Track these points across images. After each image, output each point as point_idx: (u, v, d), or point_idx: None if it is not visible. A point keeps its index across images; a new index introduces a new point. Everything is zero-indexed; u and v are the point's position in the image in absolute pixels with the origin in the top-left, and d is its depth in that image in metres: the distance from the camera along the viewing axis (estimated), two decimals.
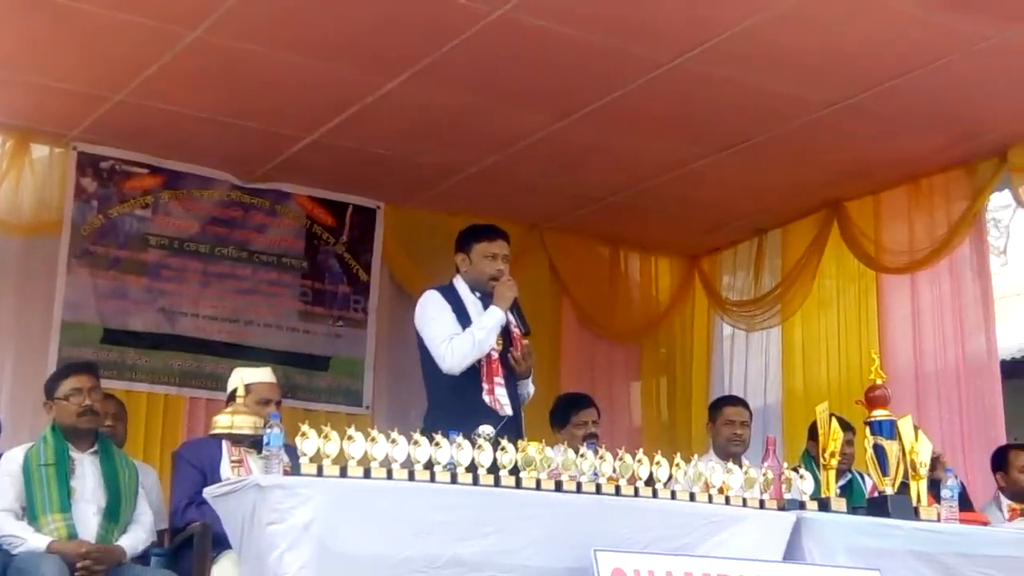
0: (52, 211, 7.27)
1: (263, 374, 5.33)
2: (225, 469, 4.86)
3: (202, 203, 7.72)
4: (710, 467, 4.49)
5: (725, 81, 6.38)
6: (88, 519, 4.87)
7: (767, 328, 8.49)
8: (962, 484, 5.02)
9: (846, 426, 5.37)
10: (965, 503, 5.07)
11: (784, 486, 4.58)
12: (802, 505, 4.56)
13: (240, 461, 4.18)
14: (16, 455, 4.94)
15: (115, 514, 4.93)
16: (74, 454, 4.98)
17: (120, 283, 7.42)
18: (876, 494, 5.12)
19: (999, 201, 11.22)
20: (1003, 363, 7.80)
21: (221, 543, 4.59)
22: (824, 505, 4.61)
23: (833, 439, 4.72)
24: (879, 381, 5.00)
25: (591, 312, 8.87)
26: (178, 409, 7.45)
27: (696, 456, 4.66)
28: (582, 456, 4.28)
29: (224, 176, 7.75)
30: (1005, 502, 6.42)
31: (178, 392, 7.48)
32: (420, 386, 7.36)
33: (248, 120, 6.98)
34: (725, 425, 6.39)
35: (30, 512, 4.83)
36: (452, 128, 7.10)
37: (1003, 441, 7.05)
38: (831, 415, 4.83)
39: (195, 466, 5.04)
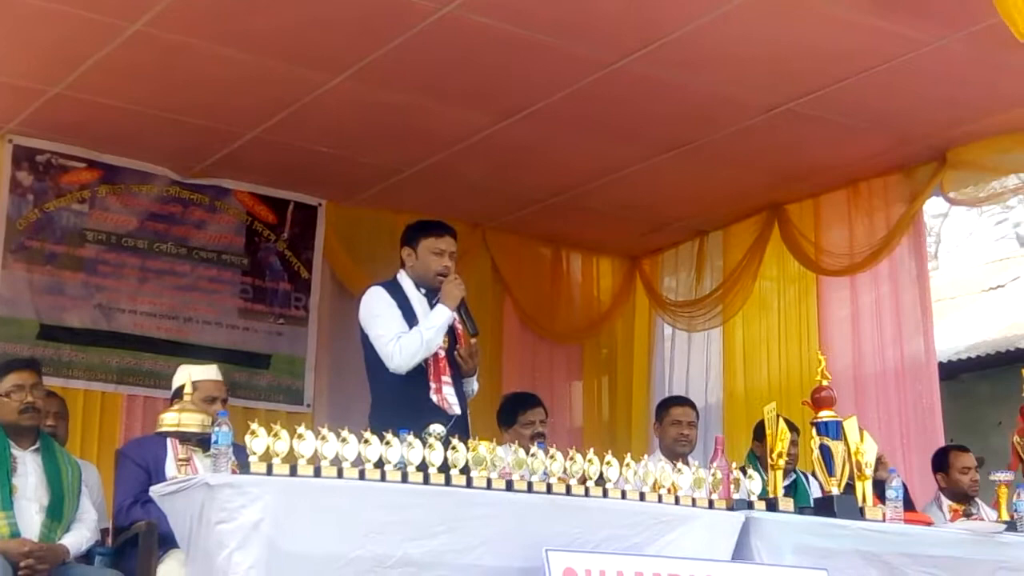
0: None
1: (209, 371, 5.25)
2: (171, 468, 4.76)
3: (140, 198, 7.61)
4: (660, 467, 4.50)
5: (667, 84, 6.42)
6: (31, 517, 4.76)
7: (708, 328, 8.54)
8: (904, 485, 5.07)
9: (791, 427, 5.40)
10: (907, 504, 5.11)
11: (732, 486, 4.60)
12: (750, 505, 4.58)
13: (187, 460, 4.11)
14: None
15: (58, 512, 4.83)
16: (15, 451, 4.87)
17: (56, 278, 7.30)
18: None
19: (931, 209, 11.43)
20: (940, 365, 7.91)
21: (167, 542, 4.52)
22: (772, 505, 4.63)
23: (780, 439, 4.75)
24: (825, 382, 5.03)
25: (533, 312, 8.88)
26: (116, 407, 7.35)
27: (645, 456, 4.66)
28: (533, 455, 4.27)
29: (163, 171, 7.64)
30: (946, 503, 6.51)
31: (115, 389, 7.38)
32: (362, 385, 7.29)
33: (188, 115, 6.90)
34: (672, 425, 6.41)
35: None
36: (394, 127, 7.07)
37: (941, 442, 7.16)
38: (778, 416, 4.85)
39: (140, 464, 4.95)
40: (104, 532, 5.25)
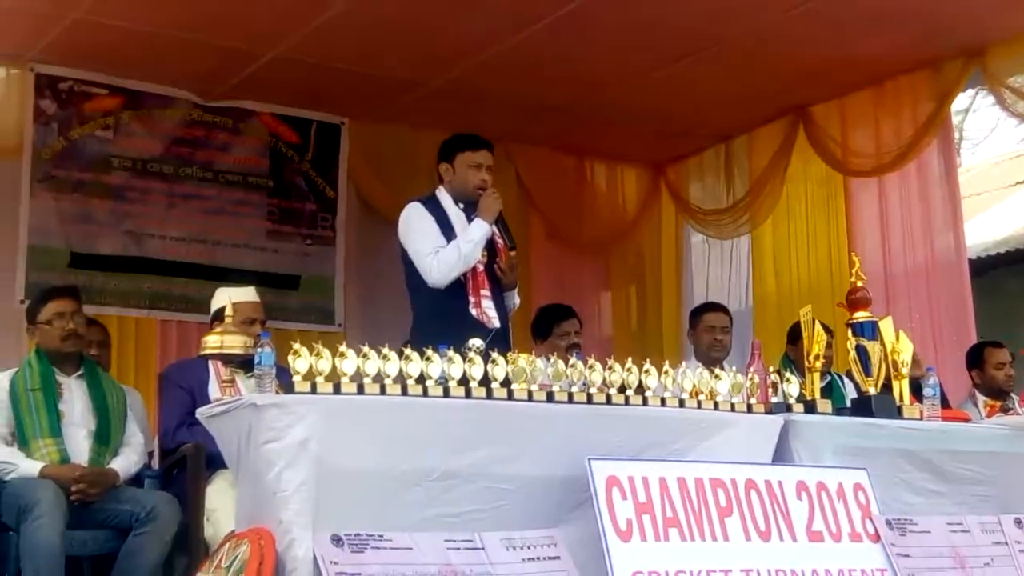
0: (11, 135, 7.16)
1: (248, 293, 5.28)
2: (214, 390, 4.82)
3: (164, 123, 7.62)
4: (698, 374, 4.51)
5: None
6: (79, 443, 4.83)
7: (738, 236, 8.53)
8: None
9: (825, 329, 5.41)
10: (943, 402, 5.13)
11: (770, 390, 4.61)
12: (788, 408, 4.59)
13: (231, 381, 4.15)
14: (1, 382, 4.88)
15: (105, 437, 4.90)
16: (60, 378, 4.93)
17: (85, 206, 7.34)
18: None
19: (955, 105, 11.28)
20: (970, 262, 7.89)
21: (214, 463, 4.60)
22: (810, 407, 4.64)
23: (817, 342, 4.75)
24: (859, 283, 5.02)
25: (559, 224, 8.88)
26: (150, 332, 7.43)
27: (683, 363, 4.68)
28: (572, 366, 4.28)
29: (185, 95, 7.64)
30: (981, 399, 6.53)
31: (149, 315, 7.46)
32: (393, 302, 7.36)
33: (208, 36, 6.87)
34: (706, 331, 6.42)
35: (20, 438, 4.78)
36: (414, 41, 7.02)
37: (973, 339, 7.16)
38: (813, 318, 4.86)
39: (183, 387, 5.00)
40: (149, 455, 5.33)
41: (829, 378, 6.38)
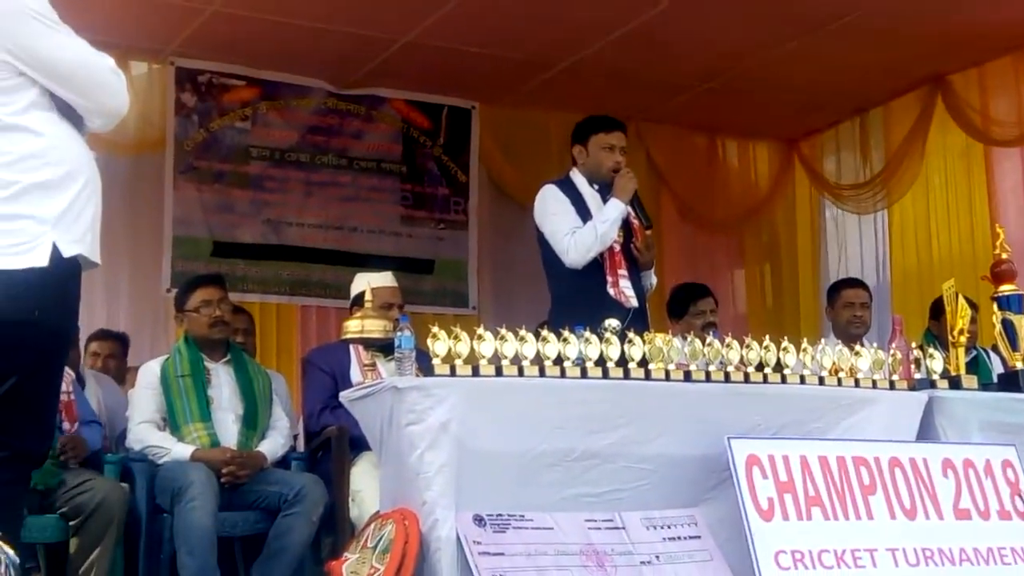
0: (155, 128, 7.37)
1: (386, 278, 5.36)
2: (356, 373, 4.92)
3: (299, 112, 7.77)
4: (837, 350, 4.45)
5: None
6: (227, 427, 4.97)
7: (877, 210, 8.36)
8: None
9: (969, 304, 5.29)
10: None
11: (912, 366, 4.53)
12: (932, 384, 4.51)
13: (372, 365, 4.22)
14: (153, 368, 5.05)
15: (253, 421, 5.03)
16: (209, 364, 5.08)
17: (225, 196, 7.53)
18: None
19: None
20: None
21: (358, 445, 4.69)
22: (955, 383, 4.55)
23: (961, 316, 4.65)
24: (1004, 255, 4.90)
25: (690, 202, 8.82)
26: (291, 317, 7.61)
27: (822, 340, 4.62)
28: (709, 345, 4.26)
29: (319, 84, 7.78)
30: None
31: (289, 301, 7.64)
32: (525, 285, 7.42)
33: (341, 25, 6.98)
34: (845, 308, 6.32)
35: (172, 423, 4.95)
36: (543, 22, 7.03)
37: None
38: (957, 292, 4.75)
39: (326, 371, 5.11)
40: (294, 438, 5.46)
41: (974, 353, 6.23)
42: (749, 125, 8.87)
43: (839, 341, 5.43)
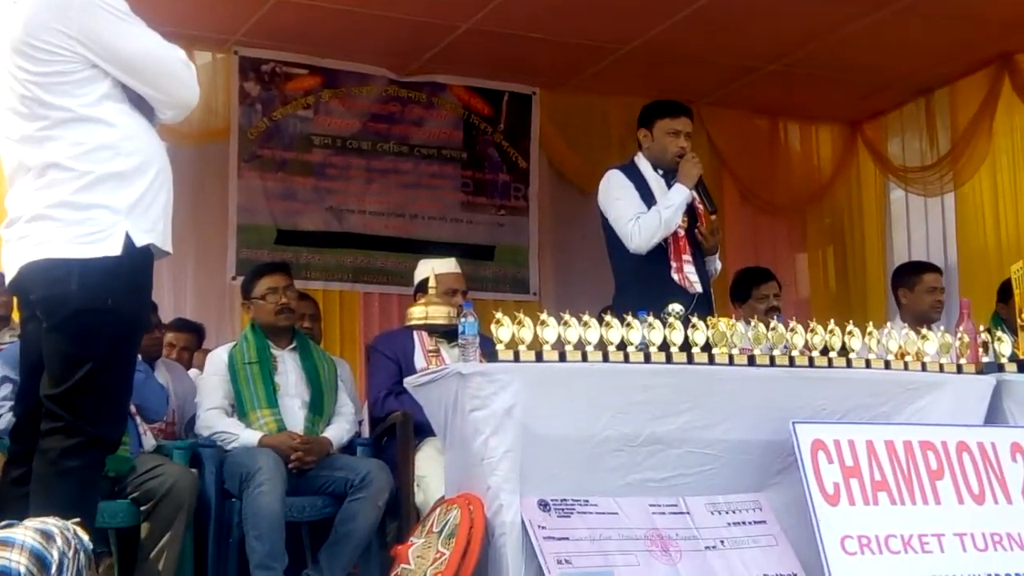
0: (219, 117, 7.45)
1: (449, 264, 5.39)
2: (420, 359, 4.95)
3: (361, 100, 7.81)
4: (904, 334, 4.42)
5: None
6: (294, 413, 5.02)
7: (944, 193, 8.25)
8: None
9: None
10: None
11: (980, 350, 4.49)
12: (1001, 368, 4.46)
13: (436, 351, 4.24)
14: (221, 355, 5.12)
15: (319, 407, 5.08)
16: (275, 351, 5.13)
17: (288, 184, 7.59)
18: None
19: None
20: None
21: (422, 431, 4.73)
22: (1023, 367, 4.50)
23: None
24: None
25: (752, 186, 8.78)
26: (354, 304, 7.67)
27: (888, 324, 4.58)
28: (773, 329, 4.25)
29: (380, 72, 7.81)
30: None
31: (352, 288, 7.69)
32: (586, 270, 7.42)
33: (402, 12, 7.00)
34: (927, 292, 6.20)
35: (239, 409, 5.01)
36: (603, 6, 7.01)
37: None
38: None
39: (390, 358, 5.14)
40: (359, 423, 5.50)
41: None
42: (811, 108, 8.79)
43: (905, 324, 5.38)
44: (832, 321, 4.30)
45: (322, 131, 7.69)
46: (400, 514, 4.83)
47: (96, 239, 3.06)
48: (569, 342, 3.98)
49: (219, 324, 7.17)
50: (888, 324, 4.50)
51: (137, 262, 3.13)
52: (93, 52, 3.11)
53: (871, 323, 4.38)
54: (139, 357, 4.99)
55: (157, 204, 3.18)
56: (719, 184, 8.60)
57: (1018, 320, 4.62)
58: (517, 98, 8.21)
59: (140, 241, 3.11)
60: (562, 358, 3.98)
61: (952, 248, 8.29)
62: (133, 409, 4.67)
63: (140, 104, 3.23)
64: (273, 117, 7.55)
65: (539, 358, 3.95)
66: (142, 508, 4.49)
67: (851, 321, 4.35)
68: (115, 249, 3.06)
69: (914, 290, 6.24)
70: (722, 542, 3.99)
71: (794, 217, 9.01)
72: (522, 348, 3.94)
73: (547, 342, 3.96)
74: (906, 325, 4.90)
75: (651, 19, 7.20)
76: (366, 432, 5.51)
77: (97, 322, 3.07)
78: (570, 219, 8.03)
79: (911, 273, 6.38)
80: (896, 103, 8.67)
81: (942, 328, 4.49)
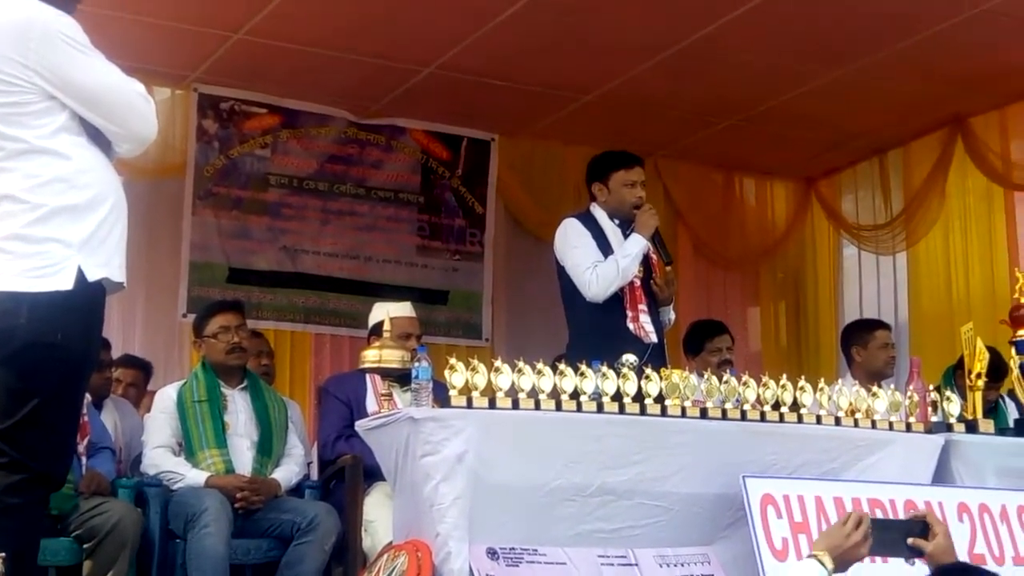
0: (175, 153, 7.40)
1: (404, 308, 5.37)
2: (372, 403, 4.92)
3: (319, 141, 7.80)
4: (854, 391, 4.44)
5: None
6: (242, 453, 4.97)
7: (897, 252, 8.34)
8: None
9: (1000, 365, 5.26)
10: None
11: (930, 409, 4.52)
12: (949, 427, 4.50)
13: (388, 395, 4.22)
14: (169, 393, 5.06)
15: (268, 448, 5.03)
16: (225, 390, 5.08)
17: (243, 223, 7.55)
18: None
19: None
20: None
21: (372, 475, 4.69)
22: (971, 427, 4.54)
23: (979, 360, 4.64)
24: (1022, 300, 4.89)
25: (707, 239, 8.84)
26: (305, 345, 7.61)
27: (839, 380, 4.61)
28: (725, 383, 4.26)
29: (340, 113, 7.81)
30: None
31: (303, 328, 7.64)
32: (539, 318, 7.43)
33: (363, 55, 7.01)
34: (881, 349, 6.25)
35: (187, 448, 4.95)
36: (564, 57, 7.06)
37: None
38: (976, 337, 4.74)
39: (342, 400, 5.12)
40: (308, 466, 5.45)
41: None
42: (767, 163, 8.89)
43: (855, 381, 5.40)
44: (784, 376, 4.32)
45: (279, 171, 7.67)
46: (347, 559, 4.79)
47: (48, 273, 3.02)
48: (523, 390, 3.97)
49: (167, 362, 7.09)
50: (839, 380, 4.52)
51: (89, 297, 3.08)
52: (51, 84, 3.08)
53: (822, 379, 4.40)
54: (88, 398, 4.99)
55: (112, 238, 3.14)
56: (674, 236, 8.66)
57: (967, 381, 4.67)
58: (476, 144, 8.23)
59: (92, 276, 3.07)
60: (515, 405, 3.97)
61: (903, 306, 8.37)
62: (82, 448, 4.61)
63: (97, 137, 3.20)
64: (230, 155, 7.52)
65: (492, 405, 3.94)
66: (85, 546, 4.42)
67: (803, 376, 4.37)
68: (67, 283, 3.02)
69: (867, 347, 6.27)
70: None
71: (747, 271, 9.08)
72: (475, 394, 3.92)
73: (500, 389, 3.95)
74: (857, 382, 4.93)
75: (611, 70, 7.26)
76: (315, 475, 5.46)
77: (46, 357, 3.02)
78: (525, 266, 8.05)
79: (864, 330, 6.42)
80: (850, 161, 8.79)
81: (892, 386, 4.52)
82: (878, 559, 3.57)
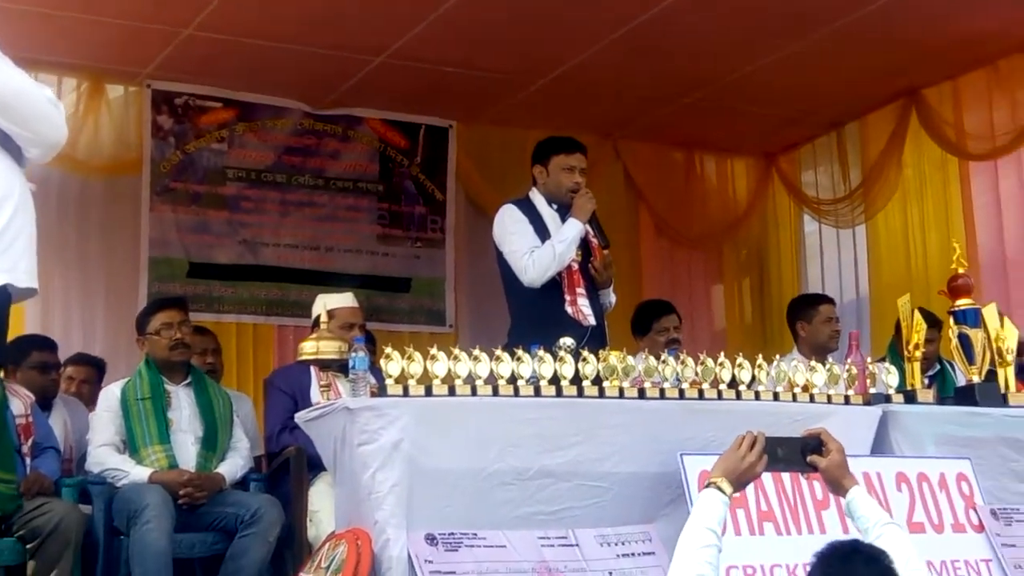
0: (131, 150, 7.42)
1: (345, 299, 5.40)
2: (315, 394, 4.95)
3: (276, 133, 7.81)
4: (793, 366, 4.47)
5: None
6: (187, 449, 5.00)
7: (856, 225, 8.39)
8: None
9: (932, 320, 5.30)
10: None
11: (869, 381, 4.56)
12: (888, 398, 4.54)
13: (328, 385, 4.26)
14: (113, 391, 5.08)
15: (212, 443, 5.06)
16: (169, 387, 5.11)
17: (202, 217, 7.56)
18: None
19: None
20: None
21: (317, 466, 4.71)
22: (910, 397, 4.58)
23: (917, 331, 4.68)
24: (960, 270, 4.93)
25: (669, 219, 8.87)
26: (268, 337, 7.64)
27: (778, 356, 4.64)
28: (664, 362, 4.28)
29: (296, 105, 7.82)
30: None
31: (266, 321, 7.67)
32: (502, 303, 7.42)
33: (316, 46, 7.01)
34: (824, 323, 6.29)
35: (131, 445, 4.98)
36: (519, 40, 7.07)
37: None
38: (914, 308, 4.78)
39: (286, 392, 5.14)
40: (259, 459, 5.48)
41: (938, 367, 6.26)
42: (727, 140, 8.91)
43: (800, 356, 5.45)
44: (721, 353, 4.35)
45: (236, 164, 7.68)
46: (292, 550, 4.82)
47: None
48: (459, 376, 3.99)
49: (128, 358, 7.08)
50: (777, 356, 4.55)
51: None
52: None
53: (760, 355, 4.43)
54: (31, 399, 5.02)
55: (18, 243, 3.15)
56: (635, 216, 8.72)
57: (905, 352, 4.70)
58: (433, 131, 8.25)
59: None
60: (452, 392, 3.99)
61: (864, 279, 8.42)
62: (26, 448, 4.63)
63: (6, 143, 3.21)
64: (186, 150, 7.53)
65: (428, 392, 3.96)
66: (28, 546, 4.43)
67: (740, 353, 4.40)
68: None
69: (812, 322, 6.32)
70: (610, 573, 4.00)
71: (710, 249, 9.10)
72: (412, 382, 3.95)
73: (437, 376, 3.97)
74: (802, 357, 4.96)
75: (565, 52, 7.27)
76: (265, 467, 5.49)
77: None
78: (487, 251, 7.83)
79: (808, 305, 6.47)
80: (809, 136, 8.83)
81: (831, 360, 4.55)
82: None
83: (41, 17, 6.38)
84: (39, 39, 6.58)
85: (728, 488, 3.35)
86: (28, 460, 4.74)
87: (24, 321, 6.46)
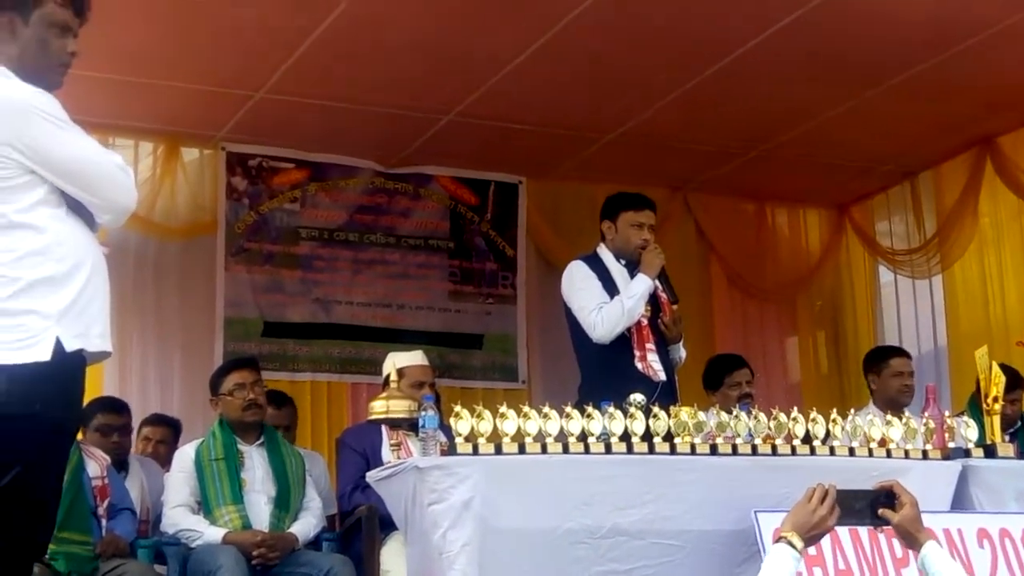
0: (206, 212, 7.54)
1: (414, 357, 5.42)
2: (386, 453, 4.97)
3: (348, 192, 7.90)
4: (868, 420, 4.41)
5: (864, 16, 6.17)
6: (260, 509, 5.04)
7: (933, 275, 8.26)
8: None
9: (1015, 378, 5.18)
10: None
11: (947, 435, 4.47)
12: (967, 453, 4.45)
13: (399, 444, 4.27)
14: (188, 452, 5.14)
15: (285, 503, 5.09)
16: (242, 447, 5.16)
17: (275, 277, 7.65)
18: None
19: None
20: None
21: (388, 525, 4.71)
22: (990, 452, 4.48)
23: (995, 383, 4.59)
24: None
25: (741, 271, 8.80)
26: (341, 395, 7.67)
27: (853, 410, 4.57)
28: (736, 417, 4.24)
29: (367, 164, 7.91)
30: None
31: (339, 379, 7.71)
32: (574, 358, 7.42)
33: (385, 106, 7.10)
34: (894, 377, 6.22)
35: (205, 506, 5.03)
36: (588, 94, 7.10)
37: None
38: (992, 360, 4.69)
39: (357, 451, 5.17)
40: (331, 518, 5.50)
41: (1019, 424, 6.12)
42: (798, 191, 8.85)
43: (876, 411, 5.37)
44: (794, 408, 4.29)
45: (309, 224, 7.77)
46: None
47: (25, 345, 3.07)
48: (529, 434, 3.99)
49: (205, 418, 7.16)
50: (851, 411, 4.48)
51: (68, 367, 3.13)
52: (29, 159, 3.15)
53: (835, 410, 4.38)
54: (107, 461, 5.08)
55: (92, 307, 3.19)
56: (707, 269, 8.67)
57: (984, 405, 4.61)
58: (503, 187, 8.29)
59: (70, 346, 3.12)
60: (521, 450, 3.99)
61: (941, 330, 8.29)
62: (102, 510, 4.69)
63: (79, 209, 3.27)
64: (260, 211, 7.64)
65: (498, 451, 3.96)
66: None
67: (814, 408, 4.34)
68: (44, 355, 3.07)
69: (881, 375, 6.25)
70: None
71: (783, 301, 9.01)
72: (481, 440, 3.94)
73: (507, 434, 3.97)
74: (877, 411, 4.88)
75: (633, 108, 7.28)
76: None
77: (25, 428, 3.07)
78: (558, 307, 8.00)
79: (878, 359, 6.40)
80: (882, 186, 8.74)
81: (908, 414, 4.47)
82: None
83: (120, 84, 6.53)
84: (117, 105, 6.75)
85: (799, 543, 3.29)
86: (104, 522, 4.79)
87: (102, 381, 6.57)
